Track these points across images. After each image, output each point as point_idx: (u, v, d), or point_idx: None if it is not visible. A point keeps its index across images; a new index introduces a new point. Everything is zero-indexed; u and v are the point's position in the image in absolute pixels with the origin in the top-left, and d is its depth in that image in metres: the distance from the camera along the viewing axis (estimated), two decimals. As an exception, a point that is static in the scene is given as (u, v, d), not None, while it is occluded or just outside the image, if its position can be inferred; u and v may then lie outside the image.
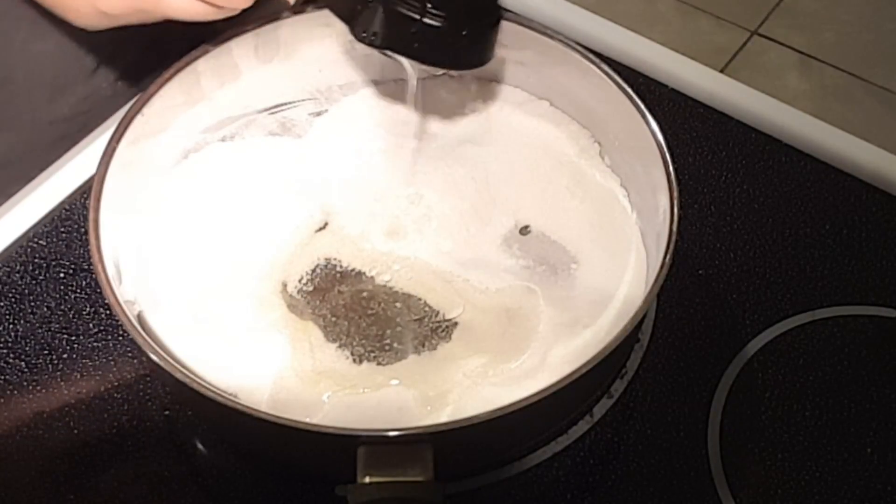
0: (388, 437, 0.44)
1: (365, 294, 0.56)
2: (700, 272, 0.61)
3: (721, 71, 0.93)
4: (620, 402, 0.56)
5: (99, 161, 0.52)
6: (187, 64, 0.55)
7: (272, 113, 0.61)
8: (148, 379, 0.56)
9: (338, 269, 0.57)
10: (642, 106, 0.53)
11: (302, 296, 0.56)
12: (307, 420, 0.45)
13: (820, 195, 0.64)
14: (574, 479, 0.54)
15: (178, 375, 0.45)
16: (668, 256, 0.48)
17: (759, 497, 0.53)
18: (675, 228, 0.49)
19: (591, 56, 0.56)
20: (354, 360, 0.54)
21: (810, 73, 1.66)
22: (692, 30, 1.72)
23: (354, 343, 0.54)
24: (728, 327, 0.59)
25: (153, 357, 0.46)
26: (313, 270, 0.57)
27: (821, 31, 1.71)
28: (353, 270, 0.57)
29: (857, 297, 0.60)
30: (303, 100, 0.61)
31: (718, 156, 0.66)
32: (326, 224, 0.59)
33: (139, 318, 0.52)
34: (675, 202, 0.50)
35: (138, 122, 0.53)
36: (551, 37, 0.57)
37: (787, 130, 0.67)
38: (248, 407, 0.44)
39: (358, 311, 0.55)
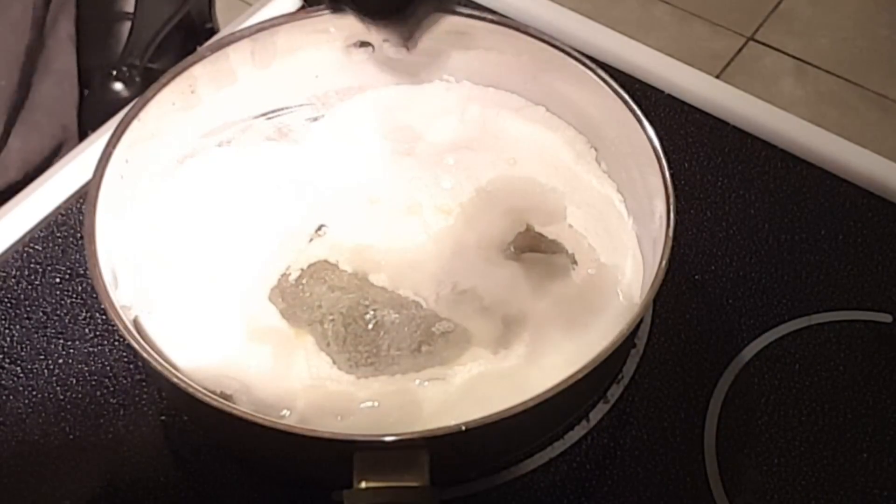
0: (383, 442, 0.44)
1: (361, 300, 0.56)
2: (696, 277, 0.61)
3: (717, 77, 0.93)
4: (617, 406, 0.56)
5: (96, 166, 0.51)
6: (184, 69, 0.55)
7: (269, 118, 0.61)
8: (143, 384, 0.56)
9: (334, 275, 0.57)
10: (638, 111, 0.53)
11: (297, 302, 0.56)
12: (303, 425, 0.45)
13: (815, 200, 0.64)
14: (570, 485, 0.54)
15: (174, 380, 0.45)
16: (664, 261, 0.48)
17: (756, 502, 0.53)
18: (671, 234, 0.49)
19: (587, 61, 0.56)
20: (350, 367, 0.53)
21: (806, 79, 1.67)
22: (688, 36, 1.72)
23: (350, 349, 0.54)
24: (724, 332, 0.59)
25: (150, 362, 0.46)
26: (309, 276, 0.57)
27: (816, 38, 1.72)
28: (349, 277, 0.57)
29: (852, 302, 0.60)
30: (300, 105, 0.61)
31: (714, 161, 0.66)
32: (323, 229, 0.59)
33: (135, 322, 0.52)
34: (672, 207, 0.50)
35: (135, 126, 0.53)
36: (548, 42, 0.57)
37: (783, 136, 0.67)
38: (244, 412, 0.44)
39: (354, 318, 0.55)
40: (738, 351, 0.58)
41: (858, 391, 0.57)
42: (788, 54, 1.70)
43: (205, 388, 0.46)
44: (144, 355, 0.46)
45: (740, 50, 1.70)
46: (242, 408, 0.46)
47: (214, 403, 0.44)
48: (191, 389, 0.45)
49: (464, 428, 0.43)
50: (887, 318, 0.60)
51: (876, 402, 0.57)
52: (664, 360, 0.58)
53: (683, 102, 0.69)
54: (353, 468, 0.43)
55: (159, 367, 0.45)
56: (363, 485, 0.43)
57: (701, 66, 0.71)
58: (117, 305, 0.47)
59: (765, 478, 0.54)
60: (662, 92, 0.69)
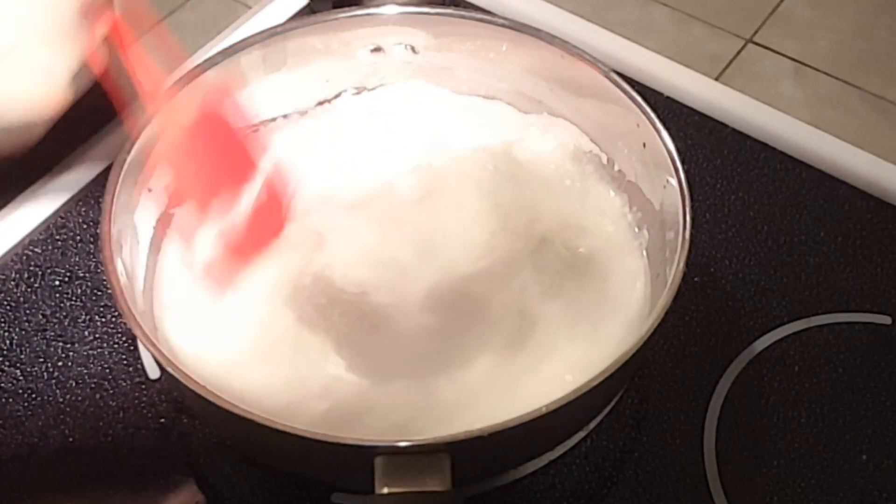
0: (405, 447, 0.43)
1: (376, 304, 0.55)
2: (695, 279, 0.61)
3: (716, 79, 0.93)
4: (616, 409, 0.56)
5: (111, 172, 0.51)
6: (196, 75, 0.55)
7: (279, 122, 0.61)
8: (143, 387, 0.56)
9: (351, 281, 0.56)
10: (653, 115, 0.53)
11: (313, 307, 0.55)
12: (322, 430, 0.44)
13: (815, 202, 0.64)
14: (570, 487, 0.54)
15: (194, 387, 0.45)
16: (681, 263, 0.48)
17: (755, 504, 0.53)
18: (687, 236, 0.49)
19: (600, 65, 0.56)
20: (366, 371, 0.53)
21: (805, 81, 1.67)
22: (687, 38, 1.72)
23: (365, 353, 0.54)
24: (724, 334, 0.59)
25: (170, 368, 0.45)
26: (325, 282, 0.56)
27: (815, 40, 1.72)
28: (364, 281, 0.56)
29: (852, 304, 0.60)
30: (311, 109, 0.62)
31: (713, 163, 0.66)
32: (336, 233, 0.58)
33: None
34: (689, 212, 0.50)
35: (148, 132, 0.53)
36: (558, 45, 0.57)
37: (782, 138, 0.67)
38: (266, 419, 0.44)
39: (369, 321, 0.55)
40: (737, 353, 0.58)
41: (858, 393, 0.57)
42: (787, 56, 1.70)
43: (221, 394, 0.46)
44: (164, 363, 0.46)
45: (739, 52, 1.70)
46: (260, 413, 0.45)
47: (235, 410, 0.44)
48: (211, 397, 0.44)
49: (485, 432, 0.43)
50: (886, 320, 0.60)
51: (875, 403, 0.57)
52: (663, 363, 0.58)
53: (682, 105, 0.69)
54: (374, 473, 0.43)
55: (179, 375, 0.45)
56: (385, 490, 0.43)
57: (700, 69, 0.71)
58: (135, 312, 0.47)
59: (765, 480, 0.54)
60: (661, 94, 0.69)
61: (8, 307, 0.59)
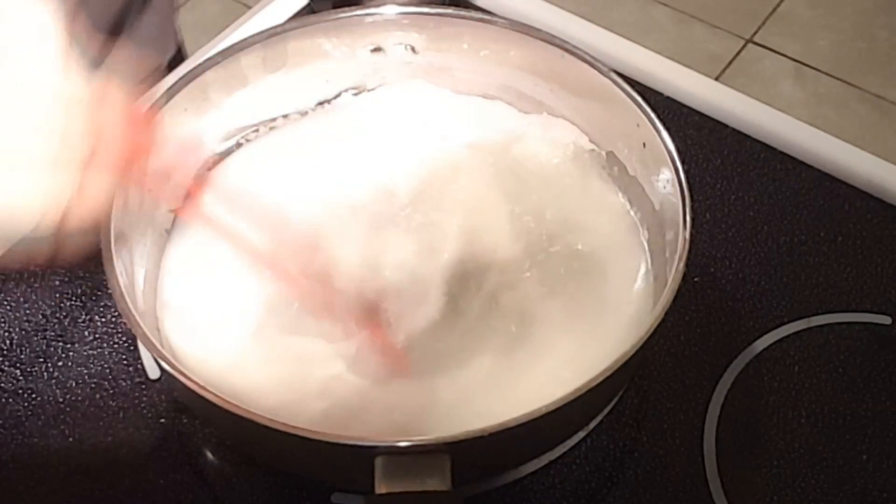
0: (405, 447, 0.43)
1: (377, 306, 0.55)
2: (695, 279, 0.61)
3: (716, 79, 0.93)
4: (616, 409, 0.56)
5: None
6: (196, 75, 0.55)
7: (281, 122, 0.61)
8: (143, 387, 0.56)
9: (351, 282, 0.56)
10: (653, 115, 0.53)
11: (313, 307, 0.55)
12: (322, 429, 0.44)
13: (815, 202, 0.64)
14: (570, 487, 0.54)
15: (194, 387, 0.45)
16: (681, 263, 0.48)
17: (755, 504, 0.53)
18: (687, 236, 0.49)
19: (600, 65, 0.56)
20: (366, 371, 0.52)
21: (805, 81, 1.67)
22: (687, 38, 1.72)
23: (365, 353, 0.53)
24: (724, 335, 0.59)
25: (171, 370, 0.46)
26: (327, 283, 0.56)
27: (815, 40, 1.72)
28: (366, 284, 0.56)
29: (852, 304, 0.60)
30: (311, 109, 0.62)
31: (713, 163, 0.66)
32: (339, 232, 0.58)
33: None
34: (688, 209, 0.50)
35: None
36: (559, 45, 0.57)
37: (782, 138, 0.67)
38: (266, 418, 0.44)
39: (370, 323, 0.55)
40: (737, 353, 0.58)
41: (857, 393, 0.57)
42: (787, 56, 1.70)
43: (221, 394, 0.46)
44: (164, 363, 0.46)
45: (739, 52, 1.70)
46: (260, 412, 0.45)
47: (235, 410, 0.44)
48: (211, 397, 0.44)
49: (486, 432, 0.43)
50: (886, 320, 0.60)
51: (875, 403, 0.57)
52: (663, 363, 0.58)
53: (683, 105, 0.69)
54: (374, 473, 0.43)
55: (179, 375, 0.45)
56: (385, 490, 0.43)
57: (700, 69, 0.71)
58: (135, 312, 0.47)
59: (765, 480, 0.54)
60: (662, 94, 0.69)
61: (8, 307, 0.59)
